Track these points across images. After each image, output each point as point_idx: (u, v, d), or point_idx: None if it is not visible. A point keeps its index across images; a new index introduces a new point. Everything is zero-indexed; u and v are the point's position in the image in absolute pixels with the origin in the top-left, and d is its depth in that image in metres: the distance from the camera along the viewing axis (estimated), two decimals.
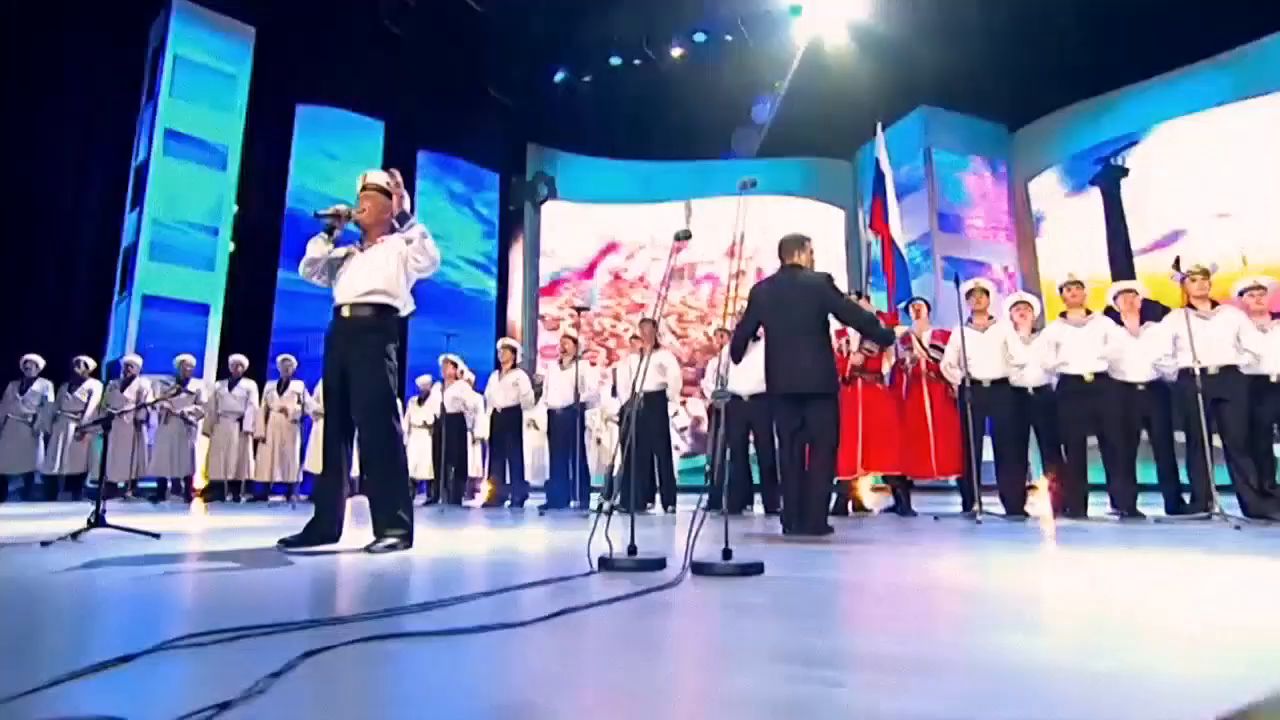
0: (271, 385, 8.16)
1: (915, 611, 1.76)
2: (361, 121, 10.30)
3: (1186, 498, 4.88)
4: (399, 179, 3.24)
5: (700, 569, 2.19)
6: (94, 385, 7.98)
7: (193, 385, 8.00)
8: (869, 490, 5.78)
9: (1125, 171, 9.90)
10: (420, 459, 9.45)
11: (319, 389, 8.38)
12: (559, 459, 6.73)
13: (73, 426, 7.88)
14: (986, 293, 5.30)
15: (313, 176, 9.96)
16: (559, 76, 11.78)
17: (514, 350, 7.26)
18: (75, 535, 3.23)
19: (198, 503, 7.78)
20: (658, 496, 6.07)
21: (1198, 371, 4.48)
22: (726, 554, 2.21)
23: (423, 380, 9.54)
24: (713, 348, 7.16)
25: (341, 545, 3.03)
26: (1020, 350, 5.02)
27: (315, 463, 8.15)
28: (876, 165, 6.73)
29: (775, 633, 1.46)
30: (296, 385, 8.09)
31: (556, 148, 12.05)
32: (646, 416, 6.03)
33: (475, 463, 8.39)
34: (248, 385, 8.08)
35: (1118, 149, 9.95)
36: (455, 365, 7.77)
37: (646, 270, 12.34)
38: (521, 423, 7.16)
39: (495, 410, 7.11)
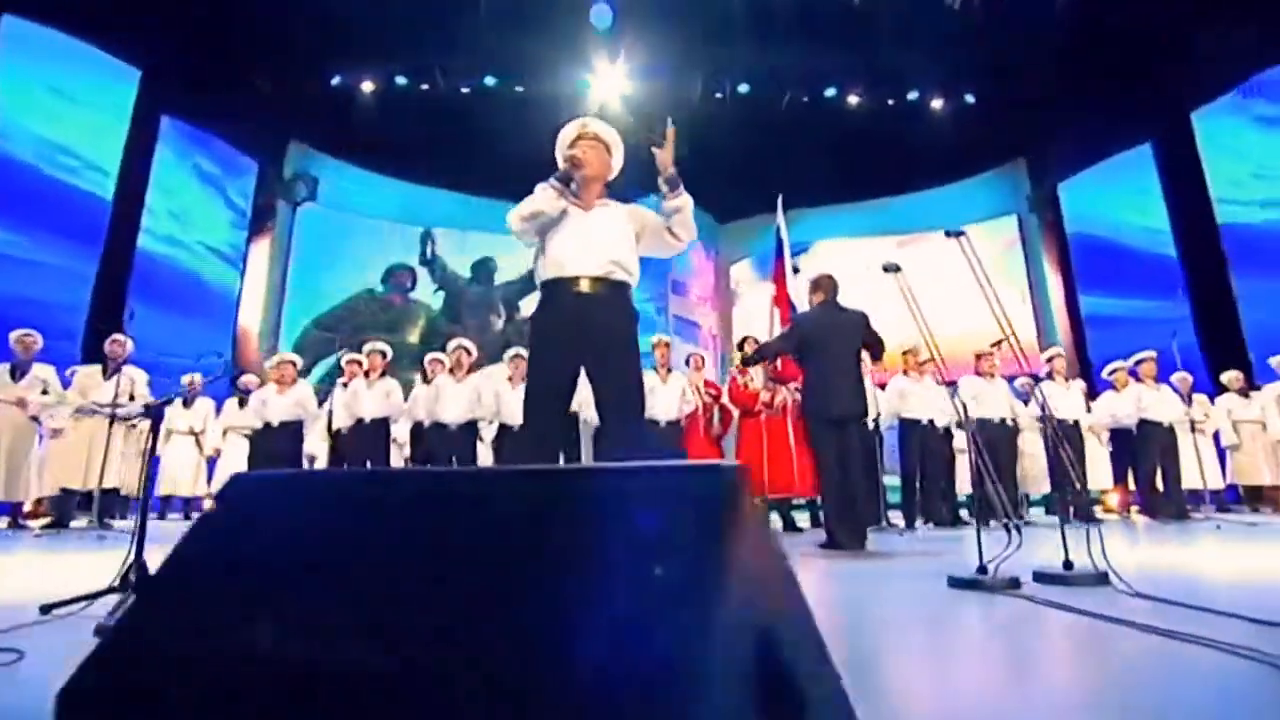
0: (1, 369, 6.18)
1: None
2: (110, 64, 8.42)
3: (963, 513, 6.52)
4: (672, 132, 2.58)
5: (1042, 578, 2.27)
6: None
7: None
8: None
9: (797, 270, 13.45)
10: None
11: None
12: None
13: None
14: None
15: (32, 114, 7.82)
16: (336, 80, 11.26)
17: (384, 355, 6.67)
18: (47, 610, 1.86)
19: None
20: None
21: (1006, 420, 6.40)
22: (1068, 565, 2.28)
23: (248, 379, 7.99)
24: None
25: None
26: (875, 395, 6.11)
27: (69, 476, 6.19)
28: (777, 233, 8.30)
29: None
30: (42, 370, 6.19)
31: (323, 151, 11.30)
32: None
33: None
34: None
35: (794, 253, 13.48)
36: (295, 365, 6.89)
37: None
38: (390, 435, 6.67)
39: (361, 420, 6.42)
